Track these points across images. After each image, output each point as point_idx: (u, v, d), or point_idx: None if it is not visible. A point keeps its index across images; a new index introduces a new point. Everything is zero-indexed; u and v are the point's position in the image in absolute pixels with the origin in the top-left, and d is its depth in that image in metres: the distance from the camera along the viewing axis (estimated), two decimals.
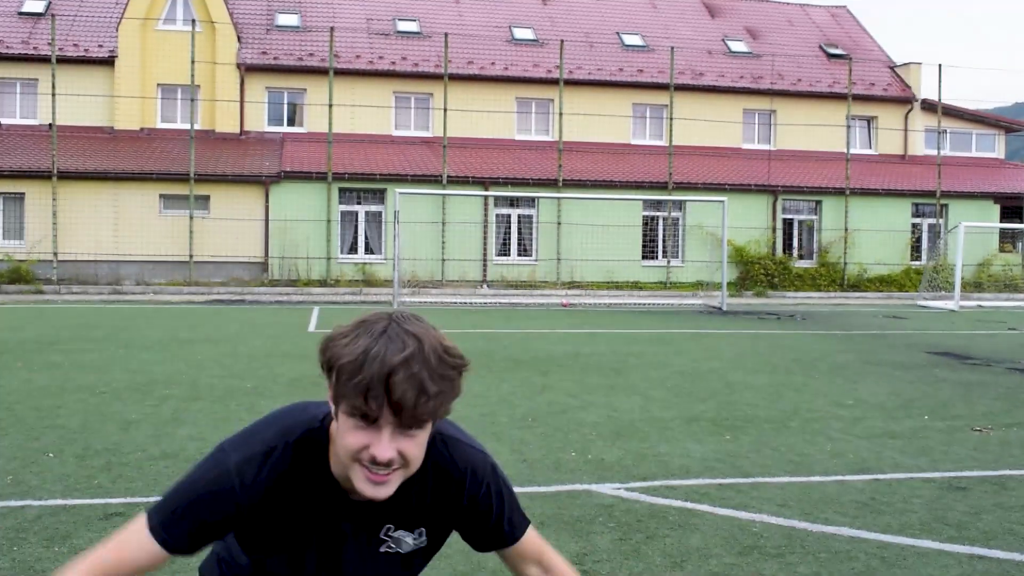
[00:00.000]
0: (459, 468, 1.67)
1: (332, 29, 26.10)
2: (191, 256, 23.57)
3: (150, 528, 1.57)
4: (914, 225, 28.64)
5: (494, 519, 1.75)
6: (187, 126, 25.31)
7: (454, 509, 1.70)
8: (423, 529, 1.69)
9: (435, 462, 1.64)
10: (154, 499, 5.01)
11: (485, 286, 25.14)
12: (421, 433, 1.50)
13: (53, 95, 23.96)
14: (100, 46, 26.34)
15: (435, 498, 1.67)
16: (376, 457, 1.46)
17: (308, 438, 1.58)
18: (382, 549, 1.67)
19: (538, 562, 1.87)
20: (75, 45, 26.17)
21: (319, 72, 26.60)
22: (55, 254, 23.14)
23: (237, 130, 26.72)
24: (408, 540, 1.68)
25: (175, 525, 1.55)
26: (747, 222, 26.72)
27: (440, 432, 1.66)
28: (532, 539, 1.86)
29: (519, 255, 26.30)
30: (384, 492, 1.51)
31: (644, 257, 26.70)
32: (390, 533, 1.66)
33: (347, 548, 1.66)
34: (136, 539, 1.57)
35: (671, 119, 27.69)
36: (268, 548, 1.65)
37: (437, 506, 1.68)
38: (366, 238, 25.28)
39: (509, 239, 26.21)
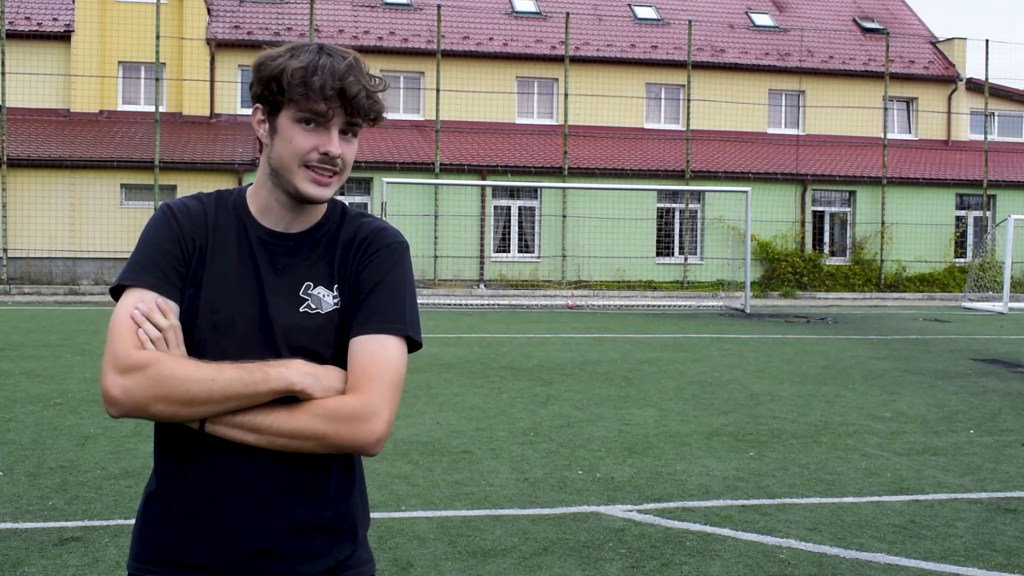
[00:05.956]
0: (371, 225, 1.93)
1: (312, 1, 26.12)
2: None
3: (122, 288, 1.83)
4: (958, 218, 28.66)
5: (365, 291, 1.86)
6: (151, 108, 25.30)
7: (356, 266, 1.89)
8: (337, 286, 1.89)
9: (350, 216, 1.94)
10: (115, 522, 5.03)
11: (482, 286, 25.15)
12: (354, 141, 1.86)
13: (2, 74, 23.96)
14: (55, 20, 26.34)
15: (345, 252, 1.90)
16: (330, 151, 1.80)
17: (226, 190, 1.96)
18: (302, 309, 1.86)
19: (348, 383, 1.80)
20: (27, 19, 26.17)
21: None
22: (4, 250, 23.14)
23: (206, 113, 26.72)
24: (328, 299, 1.87)
25: (141, 269, 1.84)
26: (773, 215, 26.74)
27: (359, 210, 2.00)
28: (372, 353, 1.81)
29: (520, 251, 26.31)
30: (326, 193, 1.84)
31: (659, 254, 26.71)
32: (309, 291, 1.87)
33: (271, 304, 1.85)
34: (121, 307, 1.80)
35: (689, 100, 27.68)
36: (208, 300, 1.84)
37: (345, 261, 1.90)
38: None
39: (509, 234, 26.22)
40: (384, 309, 1.84)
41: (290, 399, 1.77)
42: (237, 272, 1.86)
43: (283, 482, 1.83)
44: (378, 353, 1.81)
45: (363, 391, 1.78)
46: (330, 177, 1.83)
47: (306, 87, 1.76)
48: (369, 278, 1.86)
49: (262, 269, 1.86)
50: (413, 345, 1.88)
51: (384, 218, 21.63)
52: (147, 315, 1.77)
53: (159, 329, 1.77)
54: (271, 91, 1.81)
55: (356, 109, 1.80)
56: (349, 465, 1.94)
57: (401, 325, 1.84)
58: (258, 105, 1.86)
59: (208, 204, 1.91)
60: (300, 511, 1.85)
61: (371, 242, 1.89)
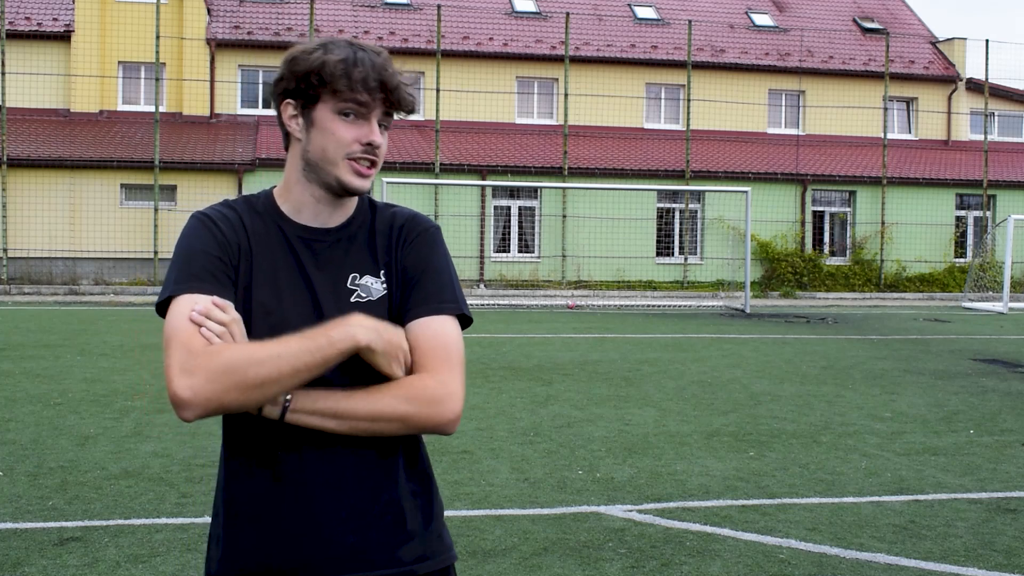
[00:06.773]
0: (404, 213, 1.98)
1: (312, 1, 26.11)
2: (156, 252, 23.57)
3: (174, 299, 1.78)
4: (958, 218, 28.66)
5: (413, 276, 1.90)
6: (151, 108, 25.31)
7: (398, 253, 1.93)
8: (384, 272, 1.92)
9: (380, 207, 1.98)
10: (114, 522, 5.03)
11: (482, 286, 25.15)
12: (386, 135, 1.89)
13: (3, 74, 23.95)
14: (55, 20, 26.33)
15: (384, 239, 1.94)
16: (372, 140, 1.84)
17: (252, 195, 1.96)
18: (352, 299, 1.89)
19: (417, 363, 1.83)
20: (27, 19, 26.16)
21: None
22: (4, 250, 23.14)
23: (207, 113, 26.71)
24: (377, 286, 1.91)
25: (187, 278, 1.79)
26: (773, 215, 26.74)
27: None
28: (434, 335, 1.85)
29: (520, 251, 26.30)
30: (367, 184, 1.88)
31: (659, 254, 26.71)
32: (357, 281, 1.90)
33: (322, 298, 1.87)
34: (175, 315, 1.76)
35: (689, 100, 27.68)
36: (260, 303, 1.85)
37: (387, 248, 1.93)
38: None
39: (509, 234, 26.22)
40: (435, 291, 1.89)
41: (366, 382, 1.78)
42: (284, 272, 1.87)
43: (362, 469, 1.84)
44: (439, 335, 1.85)
45: (435, 371, 1.81)
46: (370, 168, 1.86)
47: (349, 79, 1.79)
48: (415, 264, 1.91)
49: (307, 266, 1.88)
50: (464, 321, 1.92)
51: None
52: (206, 313, 1.74)
53: (222, 324, 1.74)
54: (309, 84, 1.82)
55: (397, 100, 1.85)
56: (416, 445, 1.95)
57: (454, 304, 1.90)
58: (290, 100, 1.85)
59: (240, 209, 1.91)
60: (385, 496, 1.86)
61: (408, 229, 1.93)
